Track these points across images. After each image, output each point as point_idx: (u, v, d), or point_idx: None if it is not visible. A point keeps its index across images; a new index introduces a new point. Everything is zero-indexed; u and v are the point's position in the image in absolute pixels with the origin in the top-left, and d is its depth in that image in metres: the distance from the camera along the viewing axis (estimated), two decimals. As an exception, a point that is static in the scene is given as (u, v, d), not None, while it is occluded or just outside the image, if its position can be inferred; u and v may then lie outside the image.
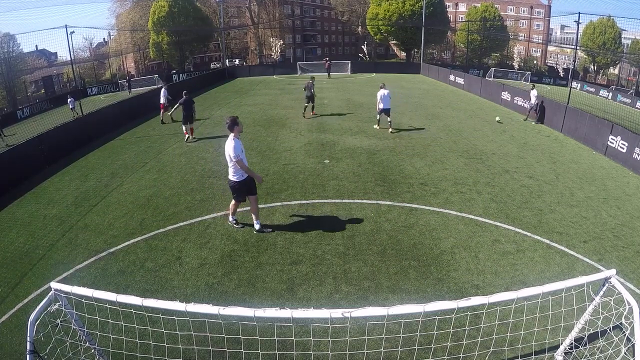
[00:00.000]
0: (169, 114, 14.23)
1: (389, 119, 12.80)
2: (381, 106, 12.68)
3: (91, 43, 54.76)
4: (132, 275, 5.43)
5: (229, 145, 5.89)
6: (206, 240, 6.31)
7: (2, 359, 4.10)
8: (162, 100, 15.03)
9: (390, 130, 12.83)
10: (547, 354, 3.95)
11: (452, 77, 26.15)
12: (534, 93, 14.76)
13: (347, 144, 11.46)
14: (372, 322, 4.13)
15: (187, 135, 12.33)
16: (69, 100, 24.75)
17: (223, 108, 18.08)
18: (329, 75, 30.18)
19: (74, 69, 34.30)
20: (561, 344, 3.91)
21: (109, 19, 58.23)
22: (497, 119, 15.04)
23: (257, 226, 6.48)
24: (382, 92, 12.59)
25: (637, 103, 30.67)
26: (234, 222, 6.72)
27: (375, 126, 13.41)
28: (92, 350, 3.63)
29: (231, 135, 5.98)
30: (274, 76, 32.85)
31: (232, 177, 6.09)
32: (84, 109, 19.92)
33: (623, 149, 10.35)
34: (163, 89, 15.35)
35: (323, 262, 5.63)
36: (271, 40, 50.55)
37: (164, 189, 8.53)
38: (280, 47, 50.49)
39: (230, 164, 6.01)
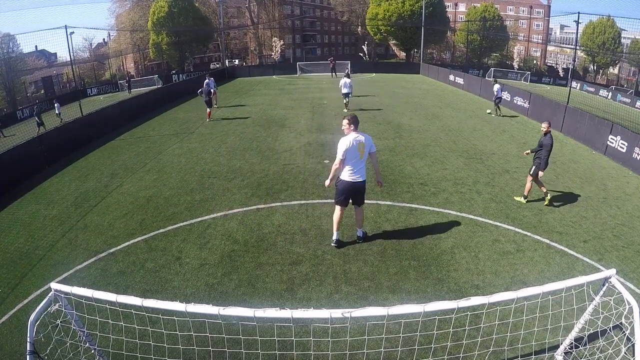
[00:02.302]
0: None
1: (345, 101, 16.44)
2: (343, 91, 16.14)
3: (91, 43, 54.84)
4: (132, 275, 5.43)
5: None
6: (206, 240, 6.31)
7: (2, 359, 4.10)
8: (209, 89, 17.13)
9: (346, 110, 16.29)
10: (547, 354, 3.95)
11: (451, 77, 26.16)
12: (497, 87, 15.86)
13: (347, 144, 11.45)
14: (372, 322, 4.13)
15: (209, 117, 15.43)
16: (55, 105, 24.60)
17: (223, 108, 18.08)
18: (332, 74, 30.21)
19: (74, 70, 34.26)
20: (561, 344, 3.91)
21: (108, 19, 58.32)
22: (488, 111, 16.38)
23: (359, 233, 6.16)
24: (344, 81, 16.14)
25: (637, 103, 30.71)
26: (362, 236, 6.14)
27: (345, 109, 16.43)
28: (92, 351, 3.63)
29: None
30: (274, 76, 32.85)
31: (361, 177, 5.58)
32: (83, 109, 19.87)
33: (623, 148, 10.35)
34: (212, 80, 17.64)
35: (323, 262, 5.63)
36: (273, 40, 50.53)
37: (164, 189, 8.53)
38: (281, 47, 50.49)
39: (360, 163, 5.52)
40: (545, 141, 7.27)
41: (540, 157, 7.26)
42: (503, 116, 15.71)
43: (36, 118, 20.62)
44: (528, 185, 7.55)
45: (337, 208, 5.79)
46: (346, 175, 5.55)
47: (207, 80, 17.41)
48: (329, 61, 32.19)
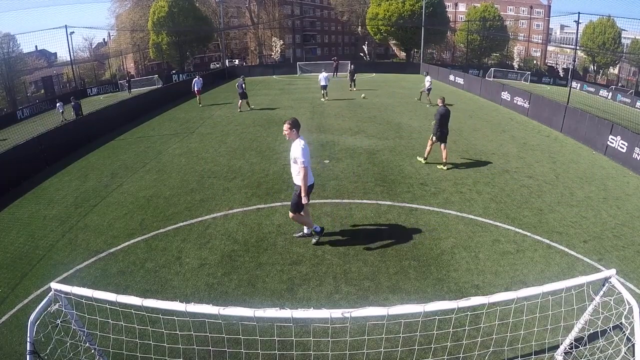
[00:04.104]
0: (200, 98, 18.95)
1: (324, 92, 19.09)
2: (322, 83, 18.88)
3: (91, 43, 54.90)
4: (132, 275, 5.43)
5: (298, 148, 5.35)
6: (206, 240, 6.31)
7: (2, 359, 4.10)
8: (197, 87, 19.01)
9: (325, 99, 18.92)
10: (547, 354, 3.95)
11: (451, 77, 26.15)
12: (427, 79, 18.36)
13: (347, 144, 11.46)
14: (372, 322, 4.13)
15: (239, 109, 17.03)
16: (57, 104, 24.50)
17: (223, 108, 18.08)
18: (334, 74, 30.18)
19: (74, 70, 34.31)
20: (561, 344, 3.91)
21: (108, 19, 58.38)
22: (363, 96, 19.21)
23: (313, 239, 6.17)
24: (322, 75, 18.99)
25: (637, 103, 30.70)
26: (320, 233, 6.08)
27: (322, 99, 19.08)
28: (92, 351, 3.63)
29: (299, 138, 5.49)
30: (274, 76, 32.85)
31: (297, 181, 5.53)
32: (83, 109, 19.94)
33: (623, 148, 10.35)
34: (200, 79, 19.54)
35: (323, 262, 5.63)
36: (273, 40, 50.54)
37: (164, 189, 8.53)
38: (281, 47, 50.49)
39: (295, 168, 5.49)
40: (436, 111, 9.07)
41: (436, 126, 9.06)
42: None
43: (73, 110, 21.00)
44: (428, 148, 9.47)
45: (304, 210, 5.83)
46: (309, 178, 5.57)
47: (195, 79, 19.46)
48: (332, 61, 32.40)
